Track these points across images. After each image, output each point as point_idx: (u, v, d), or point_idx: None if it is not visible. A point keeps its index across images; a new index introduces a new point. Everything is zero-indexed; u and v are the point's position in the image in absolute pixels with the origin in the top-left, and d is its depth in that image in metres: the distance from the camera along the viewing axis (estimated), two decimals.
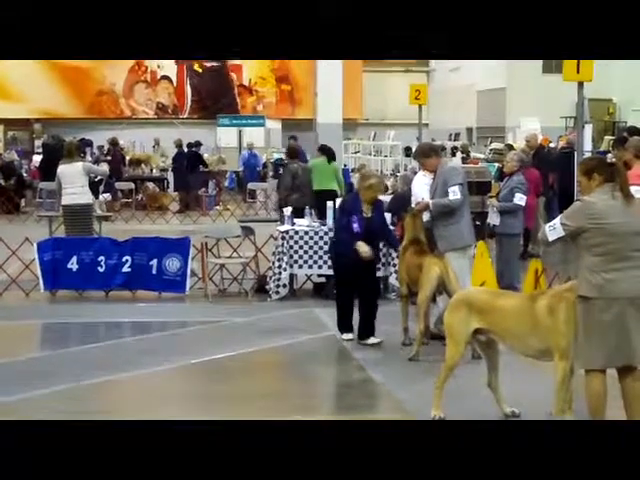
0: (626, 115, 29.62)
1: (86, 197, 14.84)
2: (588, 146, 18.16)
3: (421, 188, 11.04)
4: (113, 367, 9.73)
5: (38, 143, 32.18)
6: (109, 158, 27.77)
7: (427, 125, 30.63)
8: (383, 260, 12.44)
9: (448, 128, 33.64)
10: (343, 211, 10.97)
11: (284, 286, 13.18)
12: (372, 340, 10.57)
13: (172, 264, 13.52)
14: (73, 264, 13.55)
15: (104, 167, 19.64)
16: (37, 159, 28.66)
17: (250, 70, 37.56)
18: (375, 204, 10.71)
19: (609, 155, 14.96)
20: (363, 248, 10.44)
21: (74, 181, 14.67)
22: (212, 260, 13.95)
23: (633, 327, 6.61)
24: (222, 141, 33.86)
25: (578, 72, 12.77)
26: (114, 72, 36.43)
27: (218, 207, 26.75)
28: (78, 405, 8.57)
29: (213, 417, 7.73)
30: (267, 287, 13.35)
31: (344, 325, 10.81)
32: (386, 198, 13.06)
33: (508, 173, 12.69)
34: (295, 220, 13.62)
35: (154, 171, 29.45)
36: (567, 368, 7.15)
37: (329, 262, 13.06)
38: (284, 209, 15.67)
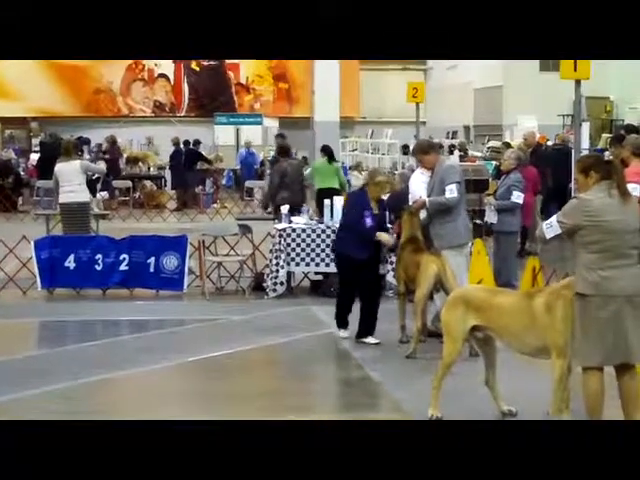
0: (623, 113, 29.64)
1: (84, 195, 14.82)
2: (585, 144, 18.18)
3: (418, 186, 11.05)
4: (111, 365, 9.73)
5: (35, 141, 32.19)
6: (107, 156, 27.77)
7: (424, 123, 30.61)
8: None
9: (445, 126, 33.64)
10: (353, 207, 10.81)
11: (281, 284, 13.18)
12: (371, 340, 10.56)
13: (169, 262, 13.52)
14: (70, 262, 13.55)
15: (101, 165, 19.63)
16: (34, 157, 28.67)
17: (247, 68, 37.55)
18: (379, 202, 10.72)
19: (606, 153, 14.99)
20: (385, 237, 10.49)
21: (72, 179, 14.65)
22: (209, 258, 13.96)
23: (630, 325, 6.62)
24: (219, 139, 33.87)
25: (575, 70, 12.78)
26: (111, 70, 36.40)
27: (215, 205, 26.76)
28: (75, 404, 8.57)
29: (210, 415, 7.75)
30: (264, 285, 13.36)
31: (343, 322, 10.82)
32: (384, 196, 13.05)
33: (505, 171, 12.69)
34: (292, 218, 13.63)
35: (151, 169, 29.45)
36: (564, 366, 7.15)
37: (326, 260, 13.10)
38: (269, 208, 15.86)
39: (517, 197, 12.26)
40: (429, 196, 10.43)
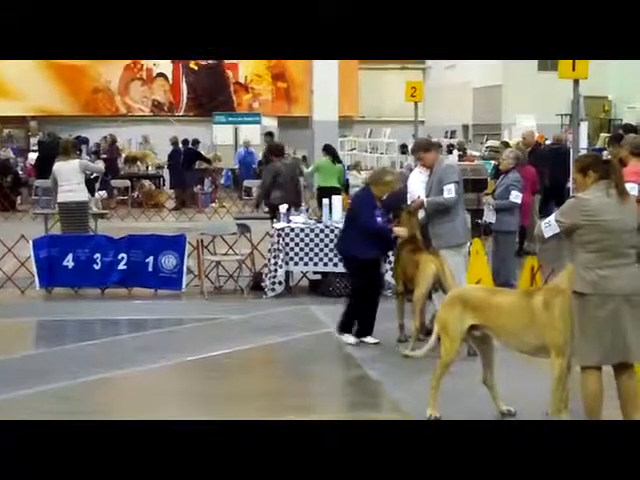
0: (621, 113, 29.64)
1: (82, 194, 14.83)
2: (584, 143, 18.19)
3: (417, 185, 11.07)
4: (109, 364, 9.73)
5: (34, 141, 32.17)
6: (105, 156, 27.77)
7: (423, 122, 30.60)
8: None
9: (444, 125, 33.64)
10: (366, 207, 10.56)
11: (280, 283, 13.19)
12: (370, 339, 10.55)
13: (168, 261, 13.52)
14: (69, 261, 13.55)
15: (100, 164, 19.63)
16: (33, 157, 28.65)
17: (246, 68, 37.52)
18: (381, 200, 10.72)
19: (604, 152, 15.00)
20: (401, 230, 10.49)
21: (70, 178, 14.66)
22: (208, 257, 13.96)
23: (628, 324, 6.62)
24: (218, 139, 33.86)
25: (574, 70, 12.77)
26: (110, 70, 36.37)
27: (214, 204, 26.77)
28: (73, 403, 8.57)
29: (209, 415, 7.75)
30: (263, 284, 13.37)
31: (349, 327, 10.63)
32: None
33: (504, 171, 12.70)
34: (291, 217, 13.63)
35: (150, 169, 29.44)
36: (564, 365, 7.15)
37: (325, 259, 13.10)
38: (261, 207, 15.92)
39: (515, 197, 12.26)
40: (427, 196, 10.43)
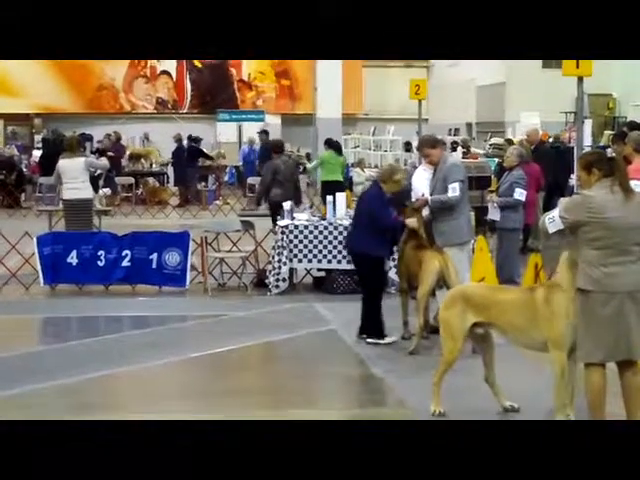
0: (626, 110, 29.59)
1: (87, 192, 14.88)
2: (588, 141, 18.16)
3: (421, 183, 11.06)
4: (113, 361, 9.74)
5: (38, 138, 32.20)
6: (112, 154, 27.77)
7: (427, 120, 30.60)
8: None
9: (448, 123, 33.61)
10: (383, 205, 10.47)
11: (284, 280, 13.19)
12: (387, 339, 10.47)
13: (172, 258, 13.53)
14: (73, 258, 13.56)
15: (104, 160, 19.63)
16: (37, 154, 28.69)
17: (250, 65, 37.49)
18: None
19: (609, 150, 14.98)
20: (412, 221, 10.47)
21: (76, 176, 14.70)
22: (212, 254, 13.96)
23: (632, 321, 6.61)
24: (222, 136, 33.85)
25: (578, 67, 12.75)
26: (114, 67, 36.36)
27: (218, 202, 26.77)
28: (78, 399, 8.59)
29: (213, 411, 7.78)
30: (267, 281, 13.37)
31: (382, 331, 10.39)
32: None
33: (508, 168, 12.70)
34: (295, 214, 13.64)
35: (154, 166, 29.45)
36: (563, 358, 7.15)
37: (329, 256, 13.10)
38: (262, 205, 15.94)
39: (520, 194, 12.27)
40: (432, 193, 10.43)
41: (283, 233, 13.13)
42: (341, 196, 13.72)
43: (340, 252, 12.97)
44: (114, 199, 25.06)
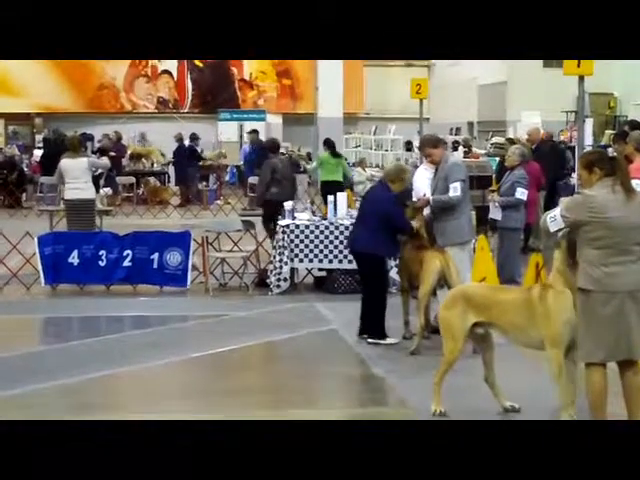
0: (627, 109, 29.57)
1: (89, 192, 14.92)
2: (589, 140, 18.17)
3: (422, 182, 11.05)
4: (114, 361, 9.74)
5: (39, 138, 32.19)
6: (114, 154, 27.77)
7: (428, 119, 30.61)
8: None
9: (449, 122, 33.60)
10: (394, 205, 10.46)
11: (285, 280, 13.19)
12: (389, 340, 10.46)
13: (173, 258, 13.53)
14: (74, 258, 13.56)
15: (105, 159, 19.66)
16: (38, 154, 28.67)
17: (251, 65, 37.47)
18: None
19: (610, 149, 14.97)
20: (417, 224, 10.48)
21: (79, 176, 14.73)
22: (213, 254, 13.96)
23: (633, 321, 6.61)
24: (223, 135, 33.85)
25: (579, 66, 12.76)
26: (114, 66, 36.35)
27: (219, 201, 26.76)
28: (78, 399, 8.59)
29: (214, 411, 7.78)
30: (268, 281, 13.37)
31: (384, 331, 10.41)
32: None
33: (509, 167, 12.70)
34: (296, 214, 13.64)
35: (155, 165, 29.44)
36: (560, 356, 7.16)
37: (330, 256, 13.09)
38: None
39: (521, 194, 12.27)
40: (433, 193, 10.42)
41: (284, 233, 13.13)
42: (342, 196, 13.72)
43: (341, 252, 12.96)
44: (115, 199, 25.06)
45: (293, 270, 13.54)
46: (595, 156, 6.96)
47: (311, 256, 13.17)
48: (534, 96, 28.58)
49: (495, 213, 12.37)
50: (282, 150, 27.51)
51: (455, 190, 10.21)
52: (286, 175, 15.98)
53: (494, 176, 16.56)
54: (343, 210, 13.40)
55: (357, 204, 12.69)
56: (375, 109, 37.85)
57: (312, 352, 10.35)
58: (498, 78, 31.33)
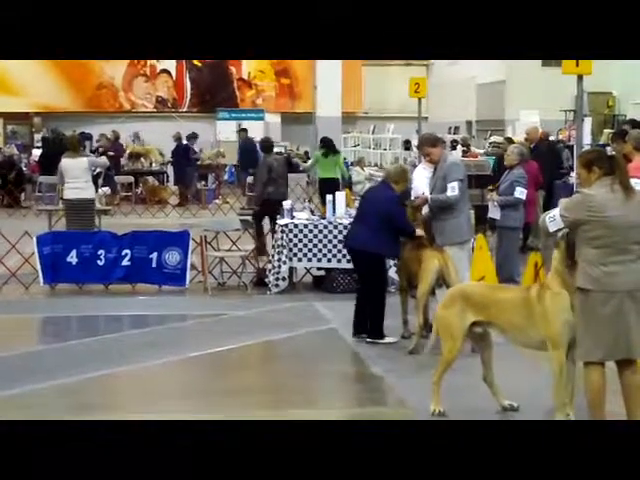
0: (625, 108, 29.59)
1: (89, 192, 14.95)
2: (587, 139, 18.14)
3: (421, 181, 11.06)
4: (112, 360, 9.74)
5: (38, 137, 32.18)
6: (112, 153, 27.75)
7: (426, 118, 30.60)
8: None
9: (448, 121, 33.59)
10: (398, 205, 10.44)
11: (283, 279, 13.19)
12: (387, 340, 10.46)
13: (172, 257, 13.53)
14: (73, 258, 13.56)
15: (103, 158, 19.68)
16: (37, 153, 28.67)
17: (249, 64, 37.48)
18: None
19: (608, 148, 14.98)
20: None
21: (78, 175, 14.75)
22: (211, 253, 13.96)
23: (632, 320, 6.61)
24: (221, 135, 33.85)
25: (577, 66, 12.75)
26: (113, 66, 36.36)
27: (217, 201, 26.75)
28: (77, 399, 8.59)
29: (212, 411, 7.78)
30: (266, 280, 13.37)
31: (382, 332, 10.39)
32: None
33: (508, 166, 12.69)
34: (295, 213, 13.64)
35: (153, 165, 29.42)
36: (562, 357, 7.16)
37: (328, 255, 13.10)
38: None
39: (520, 193, 12.26)
40: (431, 192, 10.42)
41: (283, 232, 13.13)
42: (341, 195, 13.73)
43: (340, 251, 12.96)
44: (114, 198, 25.05)
45: (292, 269, 13.54)
46: (594, 155, 6.95)
47: (310, 255, 13.17)
48: (533, 95, 28.58)
49: (494, 212, 12.36)
50: (280, 149, 27.67)
51: (453, 190, 10.20)
52: (281, 174, 16.08)
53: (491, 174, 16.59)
54: (342, 209, 13.40)
55: (356, 203, 12.67)
56: (374, 108, 37.86)
57: (311, 351, 10.35)
58: (497, 77, 31.34)
